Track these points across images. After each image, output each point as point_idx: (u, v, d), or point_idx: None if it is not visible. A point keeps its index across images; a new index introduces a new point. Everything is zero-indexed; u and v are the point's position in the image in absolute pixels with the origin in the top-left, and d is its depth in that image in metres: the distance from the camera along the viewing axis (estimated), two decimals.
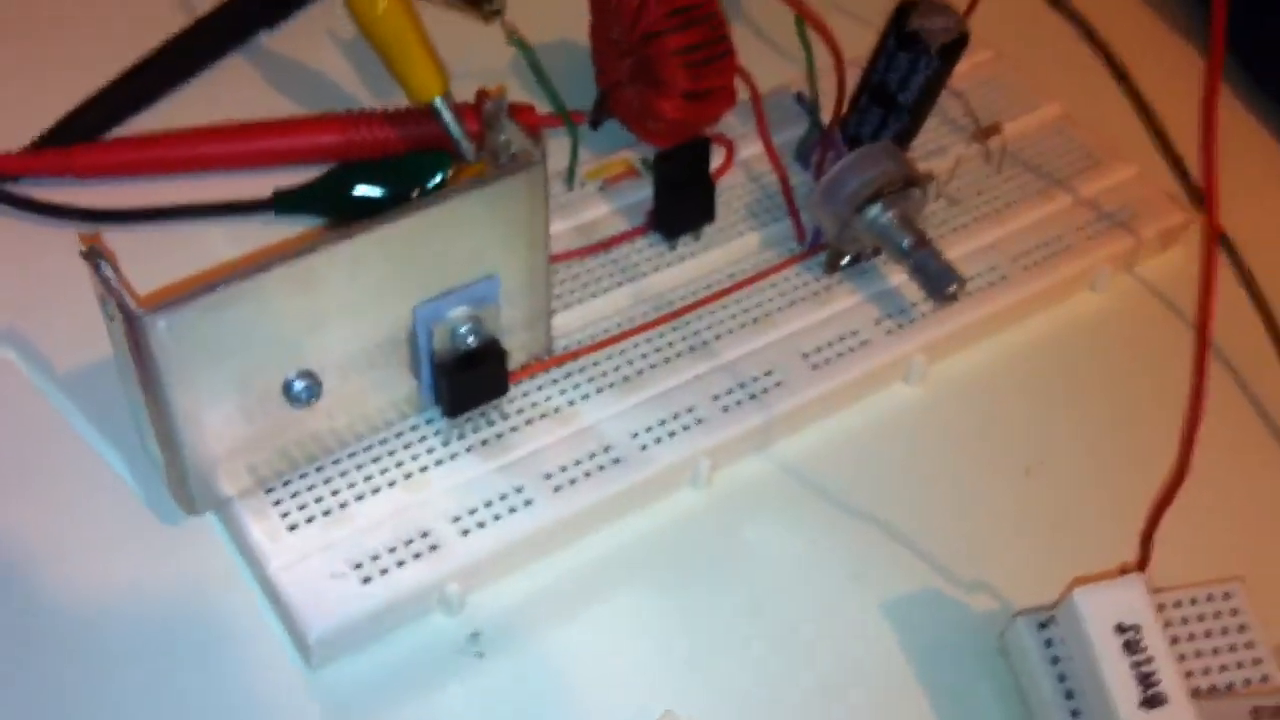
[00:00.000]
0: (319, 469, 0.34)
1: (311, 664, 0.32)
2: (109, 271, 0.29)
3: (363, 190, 0.40)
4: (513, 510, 0.33)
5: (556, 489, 0.34)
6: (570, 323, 0.37)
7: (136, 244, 0.39)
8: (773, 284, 0.39)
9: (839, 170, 0.38)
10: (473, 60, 0.44)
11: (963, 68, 0.41)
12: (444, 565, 0.32)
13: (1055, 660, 0.32)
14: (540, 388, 0.36)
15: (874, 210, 0.37)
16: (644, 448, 0.35)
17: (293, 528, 0.32)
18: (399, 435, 0.34)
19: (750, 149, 0.42)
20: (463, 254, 0.32)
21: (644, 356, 0.37)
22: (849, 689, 0.33)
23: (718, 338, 0.38)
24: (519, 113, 0.42)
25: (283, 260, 0.29)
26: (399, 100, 0.41)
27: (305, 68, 0.45)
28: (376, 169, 0.41)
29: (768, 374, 0.37)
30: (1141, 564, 0.32)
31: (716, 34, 0.39)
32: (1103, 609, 0.31)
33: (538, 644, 0.33)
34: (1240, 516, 0.37)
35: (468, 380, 0.34)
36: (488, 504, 0.33)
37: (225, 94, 0.44)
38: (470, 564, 0.33)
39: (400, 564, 0.32)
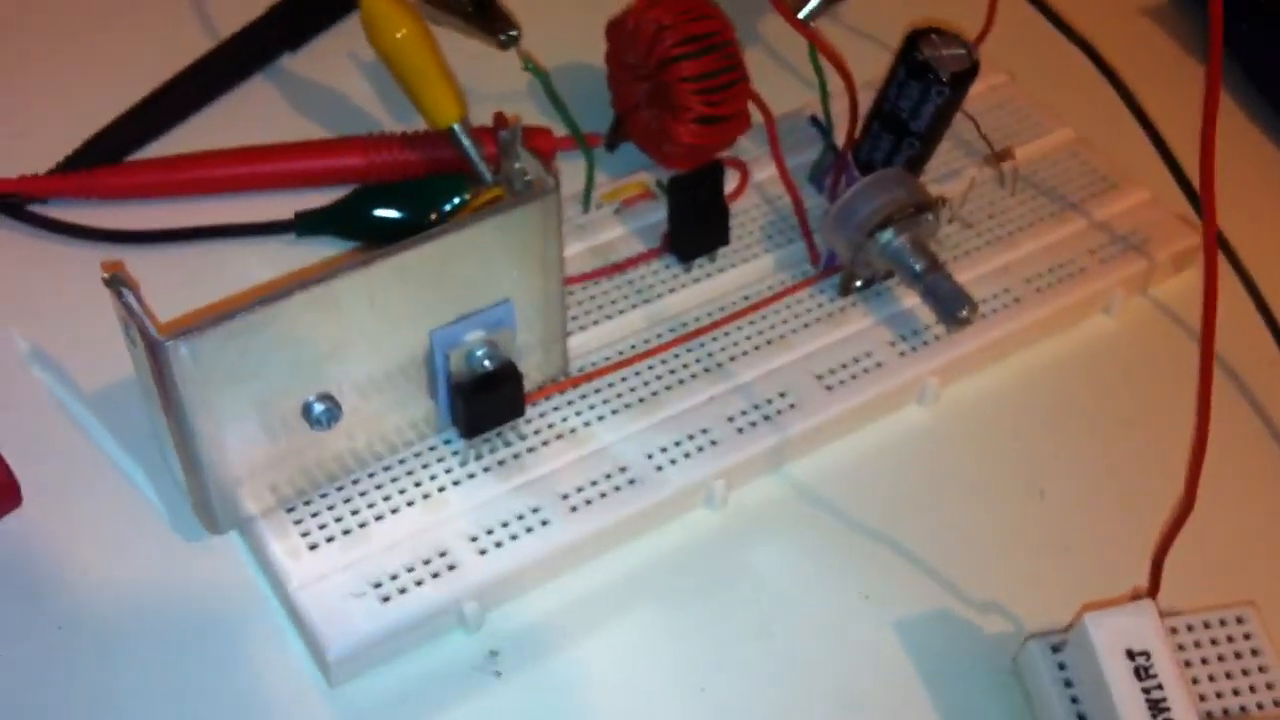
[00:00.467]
0: (339, 489, 0.34)
1: (331, 682, 0.32)
2: (131, 299, 0.29)
3: (383, 212, 0.41)
4: (529, 530, 0.34)
5: (573, 509, 0.34)
6: (586, 344, 0.38)
7: (160, 264, 0.40)
8: (787, 306, 0.39)
9: (849, 197, 0.38)
10: (491, 83, 0.45)
11: (976, 91, 0.41)
12: (462, 585, 0.33)
13: (1068, 684, 0.32)
14: (556, 409, 0.36)
15: (886, 235, 0.37)
16: (659, 469, 0.35)
17: (313, 547, 0.33)
18: (417, 455, 0.35)
19: (764, 172, 0.42)
20: (478, 279, 0.33)
21: (659, 378, 0.37)
22: (861, 708, 0.33)
23: (732, 359, 0.38)
24: (535, 136, 0.43)
25: (303, 287, 0.30)
26: (419, 123, 0.41)
27: (327, 90, 0.46)
28: (396, 191, 0.41)
29: (782, 395, 0.37)
30: (1153, 588, 0.33)
31: (731, 61, 0.40)
32: (1113, 635, 0.31)
33: (554, 663, 0.33)
34: (1253, 540, 0.37)
35: (484, 402, 0.34)
36: (505, 524, 0.34)
37: (247, 116, 0.45)
38: (487, 584, 0.33)
39: (419, 583, 0.33)
